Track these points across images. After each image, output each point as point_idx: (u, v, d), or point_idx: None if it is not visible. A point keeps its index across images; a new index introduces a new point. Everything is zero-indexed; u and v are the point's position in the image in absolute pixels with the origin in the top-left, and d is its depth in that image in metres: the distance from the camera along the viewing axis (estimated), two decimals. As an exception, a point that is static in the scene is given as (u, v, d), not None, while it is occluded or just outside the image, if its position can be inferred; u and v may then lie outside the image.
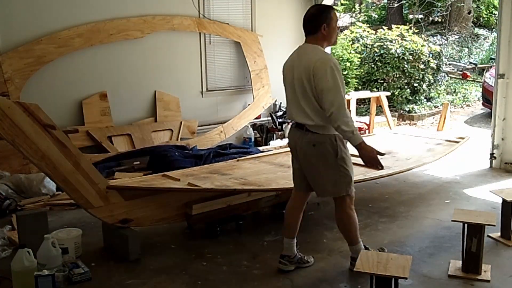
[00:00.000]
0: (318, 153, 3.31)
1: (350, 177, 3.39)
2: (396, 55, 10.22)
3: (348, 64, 9.77)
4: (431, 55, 10.67)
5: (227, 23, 7.24)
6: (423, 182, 5.88)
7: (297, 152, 3.44)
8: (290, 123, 3.49)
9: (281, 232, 3.73)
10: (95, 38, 6.10)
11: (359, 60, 10.15)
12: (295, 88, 3.33)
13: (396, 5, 14.86)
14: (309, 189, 3.54)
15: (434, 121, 9.82)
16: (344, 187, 3.37)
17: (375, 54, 10.35)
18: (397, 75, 10.35)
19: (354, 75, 9.87)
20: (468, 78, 12.07)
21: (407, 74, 10.34)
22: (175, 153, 5.83)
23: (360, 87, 10.11)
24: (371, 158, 3.29)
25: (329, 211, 4.91)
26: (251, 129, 7.55)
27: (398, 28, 10.92)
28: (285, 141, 7.24)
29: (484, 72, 11.57)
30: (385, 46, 10.37)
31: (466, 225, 3.48)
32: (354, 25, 12.46)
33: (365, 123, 8.29)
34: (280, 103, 7.91)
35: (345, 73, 9.68)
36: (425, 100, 10.78)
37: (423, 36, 12.56)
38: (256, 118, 7.69)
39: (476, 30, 15.69)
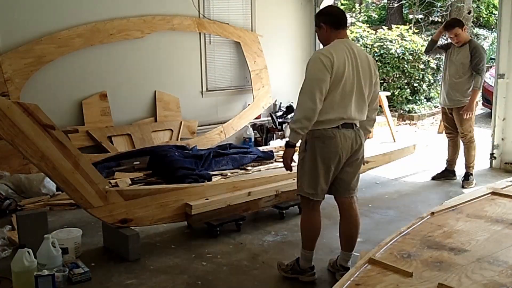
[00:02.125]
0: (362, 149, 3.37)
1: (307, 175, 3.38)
2: (396, 55, 10.22)
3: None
4: (431, 55, 10.67)
5: (227, 23, 7.24)
6: (423, 182, 5.89)
7: (344, 154, 3.28)
8: (336, 125, 3.23)
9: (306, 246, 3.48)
10: (95, 38, 6.10)
11: (359, 60, 10.14)
12: (355, 84, 3.22)
13: (396, 5, 14.86)
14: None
15: (434, 121, 9.83)
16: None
17: (375, 54, 10.34)
18: (397, 75, 10.35)
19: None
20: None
21: (407, 74, 10.34)
22: (175, 153, 5.83)
23: (360, 87, 10.10)
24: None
25: (329, 211, 4.91)
26: (251, 129, 7.55)
27: (398, 28, 10.93)
28: (285, 141, 7.24)
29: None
30: (385, 46, 10.37)
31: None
32: (354, 25, 12.46)
33: (365, 123, 8.28)
34: (280, 103, 7.92)
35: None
36: (425, 100, 10.78)
37: (423, 36, 12.56)
38: (256, 118, 7.69)
39: (476, 30, 15.69)
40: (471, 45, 5.43)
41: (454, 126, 5.65)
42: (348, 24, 3.54)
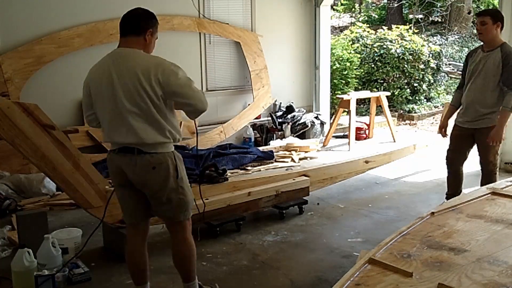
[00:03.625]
0: (159, 175, 2.84)
1: (190, 199, 3.02)
2: (396, 55, 10.22)
3: (348, 64, 9.77)
4: (431, 55, 10.68)
5: (227, 23, 7.24)
6: (423, 182, 5.89)
7: (128, 179, 2.90)
8: (110, 149, 2.93)
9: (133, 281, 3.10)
10: (95, 38, 6.10)
11: (359, 60, 10.15)
12: (118, 101, 2.75)
13: (396, 5, 14.86)
14: (146, 217, 3.05)
15: (434, 121, 9.82)
16: (183, 211, 2.99)
17: (375, 54, 10.35)
18: (397, 75, 10.35)
19: (354, 75, 9.87)
20: (468, 78, 12.05)
21: (407, 74, 10.34)
22: (175, 153, 5.82)
23: (360, 87, 10.11)
24: None
25: (329, 211, 4.92)
26: (251, 129, 7.55)
27: (398, 28, 10.92)
28: (285, 141, 7.25)
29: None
30: (385, 46, 10.37)
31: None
32: (354, 25, 12.46)
33: (365, 123, 8.29)
34: (280, 103, 7.92)
35: (345, 73, 9.68)
36: (425, 100, 10.78)
37: (423, 36, 12.56)
38: (256, 118, 7.69)
39: (476, 30, 15.69)
40: (503, 50, 4.11)
41: (462, 152, 4.51)
42: (149, 28, 2.86)
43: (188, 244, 3.04)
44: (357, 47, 10.62)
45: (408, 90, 10.45)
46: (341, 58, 9.74)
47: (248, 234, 4.31)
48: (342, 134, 8.11)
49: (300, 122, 7.70)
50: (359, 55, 10.21)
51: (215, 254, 3.92)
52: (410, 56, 10.29)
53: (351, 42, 10.71)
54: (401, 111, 10.22)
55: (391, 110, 8.80)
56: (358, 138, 7.94)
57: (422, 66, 10.44)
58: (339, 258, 3.83)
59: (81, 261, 3.61)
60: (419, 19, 14.76)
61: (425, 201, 5.16)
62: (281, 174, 4.99)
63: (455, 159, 4.53)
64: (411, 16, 15.41)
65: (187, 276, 3.06)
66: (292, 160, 6.61)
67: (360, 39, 10.89)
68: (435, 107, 10.57)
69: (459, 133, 4.42)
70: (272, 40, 7.75)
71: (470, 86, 4.28)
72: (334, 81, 9.37)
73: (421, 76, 10.47)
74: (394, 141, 7.83)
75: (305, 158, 6.79)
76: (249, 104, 7.56)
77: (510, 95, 4.04)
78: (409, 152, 6.14)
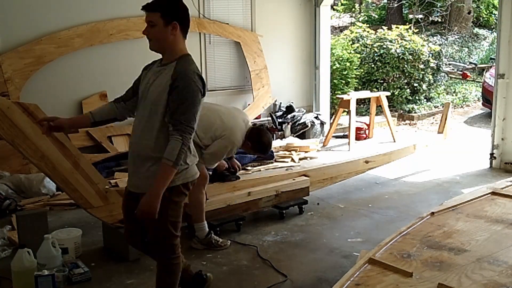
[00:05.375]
0: None
1: None
2: (396, 55, 10.21)
3: (348, 64, 9.76)
4: (431, 55, 10.67)
5: (227, 23, 7.24)
6: (423, 182, 5.88)
7: None
8: None
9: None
10: (95, 38, 6.10)
11: (359, 60, 10.14)
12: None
13: (396, 5, 14.85)
14: None
15: (434, 121, 9.82)
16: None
17: (375, 54, 10.34)
18: (397, 75, 10.34)
19: (354, 75, 9.86)
20: (468, 78, 12.07)
21: (407, 74, 10.33)
22: (175, 153, 5.82)
23: (360, 87, 10.10)
24: None
25: (329, 211, 4.92)
26: (251, 129, 7.54)
27: (398, 28, 10.91)
28: (285, 141, 7.25)
29: (484, 72, 11.57)
30: (385, 46, 10.36)
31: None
32: (354, 25, 12.45)
33: (365, 123, 8.29)
34: (280, 103, 7.92)
35: (345, 73, 9.68)
36: (425, 100, 10.77)
37: (423, 36, 12.55)
38: (256, 118, 7.68)
39: (476, 30, 15.69)
40: None
41: None
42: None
43: (192, 196, 3.77)
44: (357, 47, 10.60)
45: (408, 90, 10.44)
46: (341, 58, 9.72)
47: (248, 234, 4.30)
48: (342, 134, 8.11)
49: (300, 122, 7.70)
50: (359, 55, 10.20)
51: (215, 254, 3.92)
52: (410, 56, 10.27)
53: (351, 42, 10.69)
54: (401, 111, 10.21)
55: (391, 110, 8.79)
56: (358, 138, 7.94)
57: (422, 66, 10.43)
58: (339, 258, 3.83)
59: (81, 261, 3.61)
60: (419, 19, 14.75)
61: (425, 201, 5.16)
62: (281, 174, 4.99)
63: None
64: (411, 16, 15.40)
65: (194, 218, 4.00)
66: (292, 160, 6.61)
67: (360, 39, 10.87)
68: (435, 107, 10.55)
69: None
70: (272, 40, 7.75)
71: None
72: (334, 81, 9.36)
73: (421, 76, 10.45)
74: (394, 141, 7.83)
75: (305, 158, 6.79)
76: (249, 104, 7.56)
77: None
78: (409, 152, 6.14)
